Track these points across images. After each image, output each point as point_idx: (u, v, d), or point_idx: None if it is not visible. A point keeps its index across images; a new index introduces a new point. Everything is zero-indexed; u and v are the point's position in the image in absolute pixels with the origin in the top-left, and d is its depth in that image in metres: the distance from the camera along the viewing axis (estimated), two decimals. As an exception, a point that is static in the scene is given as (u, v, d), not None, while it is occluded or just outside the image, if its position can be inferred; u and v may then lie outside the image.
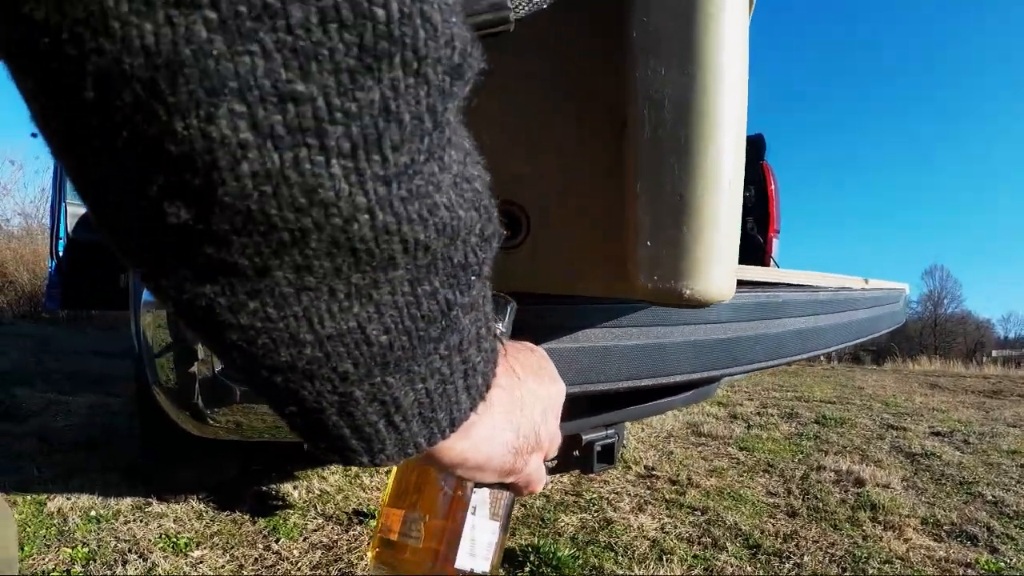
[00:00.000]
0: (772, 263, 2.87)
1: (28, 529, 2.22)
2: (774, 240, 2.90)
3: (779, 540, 2.40)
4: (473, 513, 0.54)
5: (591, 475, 2.93)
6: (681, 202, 0.64)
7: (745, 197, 2.95)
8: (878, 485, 3.13)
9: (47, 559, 2.05)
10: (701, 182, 0.64)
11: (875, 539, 2.47)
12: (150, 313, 1.39)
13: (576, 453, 1.68)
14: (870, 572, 2.19)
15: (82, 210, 4.79)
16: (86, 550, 2.12)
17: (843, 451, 3.79)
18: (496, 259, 0.34)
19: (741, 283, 2.29)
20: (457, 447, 0.37)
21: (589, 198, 0.73)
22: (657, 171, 0.65)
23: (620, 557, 2.27)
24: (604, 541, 2.41)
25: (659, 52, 0.64)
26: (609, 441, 1.67)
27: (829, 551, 2.33)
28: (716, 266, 0.66)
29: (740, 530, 2.49)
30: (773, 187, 2.91)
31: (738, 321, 1.41)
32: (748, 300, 1.43)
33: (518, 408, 0.42)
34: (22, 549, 2.05)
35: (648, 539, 2.42)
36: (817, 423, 4.60)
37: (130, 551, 2.15)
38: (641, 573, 2.10)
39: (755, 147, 2.97)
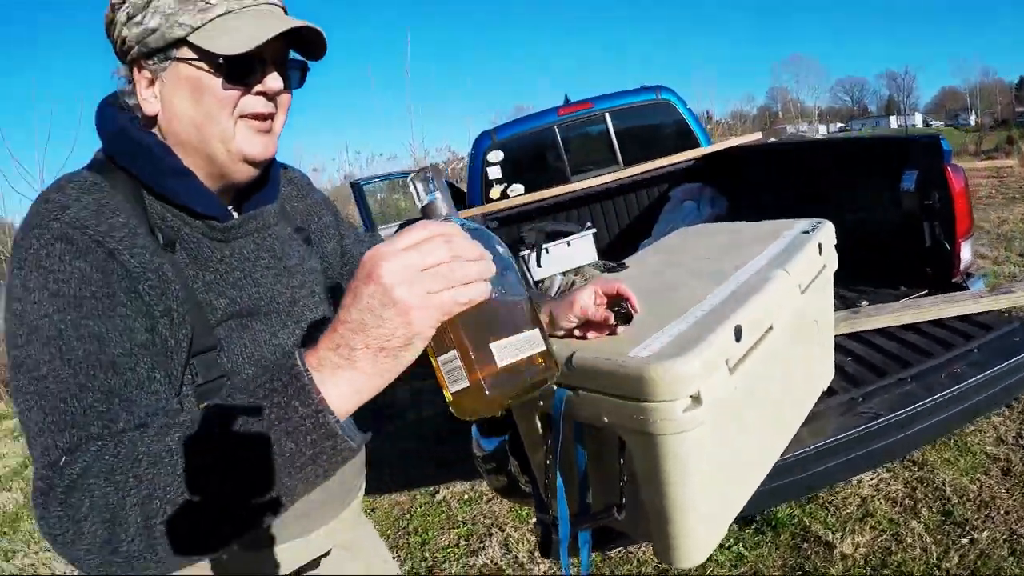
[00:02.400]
0: (960, 275, 3.06)
1: (429, 518, 3.54)
2: (963, 245, 3.05)
3: (973, 507, 2.84)
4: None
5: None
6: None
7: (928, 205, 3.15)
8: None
9: (442, 538, 3.32)
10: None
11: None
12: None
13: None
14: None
15: (390, 231, 6.07)
16: (465, 529, 3.36)
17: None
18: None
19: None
20: (342, 394, 0.69)
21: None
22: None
23: (829, 518, 2.90)
24: (822, 499, 3.01)
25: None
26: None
27: (1015, 527, 2.67)
28: None
29: (943, 492, 2.97)
30: (959, 188, 2.98)
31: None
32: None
33: (351, 340, 0.67)
34: (427, 533, 3.36)
35: (859, 497, 2.99)
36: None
37: (492, 525, 3.34)
38: (835, 538, 2.76)
39: (933, 151, 3.08)
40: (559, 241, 4.61)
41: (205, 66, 0.96)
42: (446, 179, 7.27)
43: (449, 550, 3.22)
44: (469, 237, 0.73)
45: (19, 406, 0.81)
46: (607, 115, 5.31)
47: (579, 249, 4.61)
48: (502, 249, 0.84)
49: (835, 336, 2.51)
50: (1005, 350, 2.38)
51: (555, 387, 1.40)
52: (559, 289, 4.38)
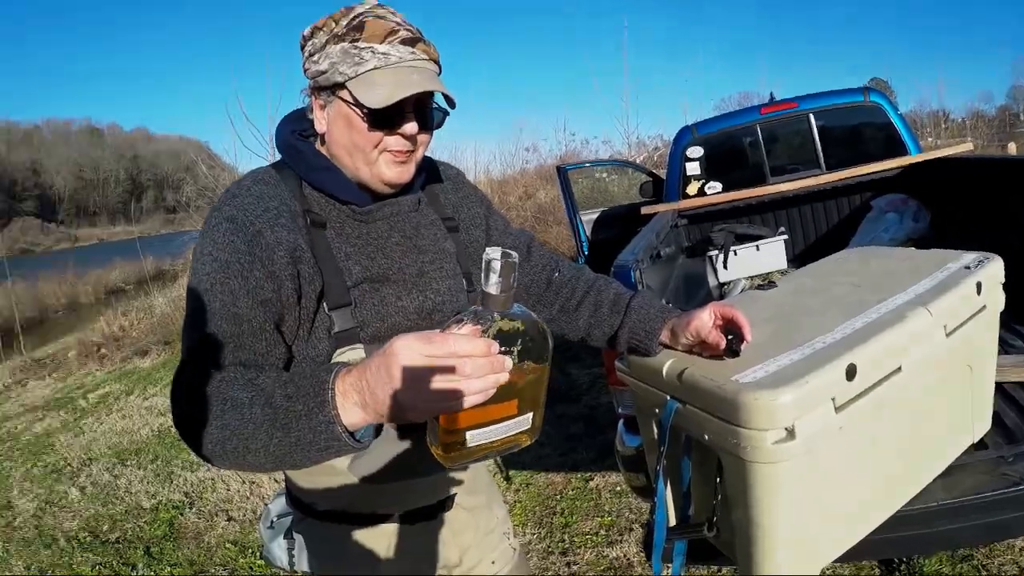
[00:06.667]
0: None
1: (577, 502, 3.64)
2: None
3: None
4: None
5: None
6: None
7: None
8: None
9: (585, 524, 3.42)
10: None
11: None
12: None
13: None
14: None
15: (593, 216, 6.13)
16: (608, 519, 3.43)
17: None
18: None
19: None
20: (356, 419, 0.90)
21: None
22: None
23: (982, 580, 2.59)
24: (978, 559, 2.62)
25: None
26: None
27: None
28: None
29: None
30: None
31: None
32: None
33: (366, 394, 0.88)
34: (571, 516, 3.47)
35: (1019, 567, 2.59)
36: None
37: (635, 521, 3.39)
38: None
39: None
40: (748, 245, 4.53)
41: (357, 110, 1.20)
42: (649, 170, 7.26)
43: (588, 536, 3.31)
44: (488, 355, 0.84)
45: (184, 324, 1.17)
46: (811, 116, 5.05)
47: (768, 254, 4.50)
48: (546, 342, 0.99)
49: (1007, 383, 2.31)
50: None
51: (668, 397, 1.45)
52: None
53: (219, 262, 1.15)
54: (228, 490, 4.61)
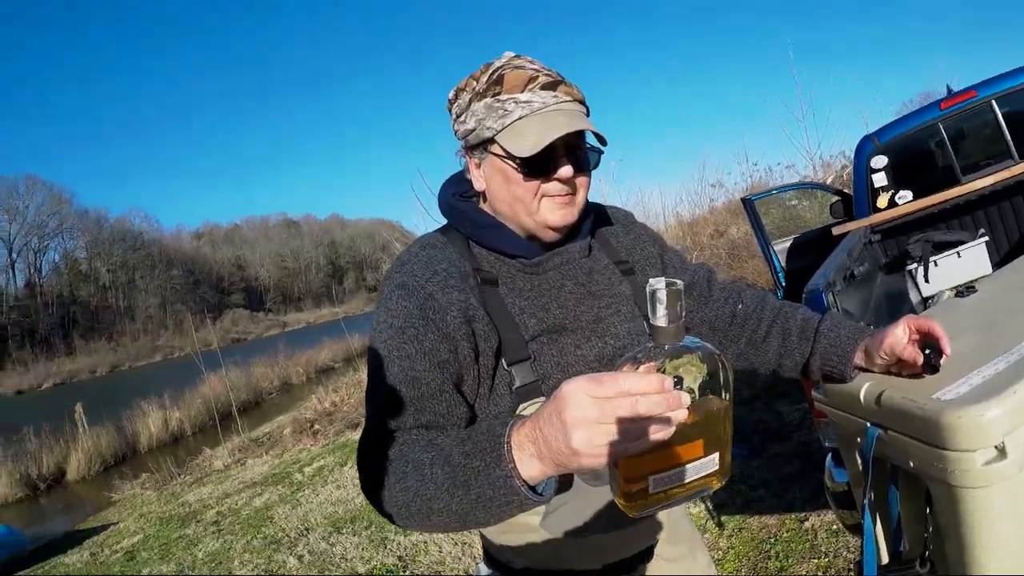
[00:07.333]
0: None
1: (792, 544, 3.45)
2: None
3: None
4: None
5: None
6: None
7: None
8: None
9: (801, 567, 3.22)
10: None
11: None
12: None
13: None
14: None
15: (786, 244, 5.88)
16: (825, 560, 3.21)
17: None
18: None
19: None
20: (534, 470, 0.87)
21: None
22: None
23: None
24: None
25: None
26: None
27: None
28: None
29: None
30: None
31: None
32: None
33: (541, 444, 0.84)
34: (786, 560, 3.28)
35: None
36: None
37: (854, 560, 3.13)
38: None
39: None
40: (948, 253, 4.19)
41: (510, 162, 1.22)
42: (836, 188, 6.88)
43: (808, 578, 3.11)
44: (663, 391, 0.78)
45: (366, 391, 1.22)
46: (993, 102, 4.54)
47: (971, 260, 4.14)
48: (727, 373, 0.92)
49: None
50: None
51: (868, 424, 1.36)
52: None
53: (394, 328, 1.18)
54: (440, 552, 4.76)
